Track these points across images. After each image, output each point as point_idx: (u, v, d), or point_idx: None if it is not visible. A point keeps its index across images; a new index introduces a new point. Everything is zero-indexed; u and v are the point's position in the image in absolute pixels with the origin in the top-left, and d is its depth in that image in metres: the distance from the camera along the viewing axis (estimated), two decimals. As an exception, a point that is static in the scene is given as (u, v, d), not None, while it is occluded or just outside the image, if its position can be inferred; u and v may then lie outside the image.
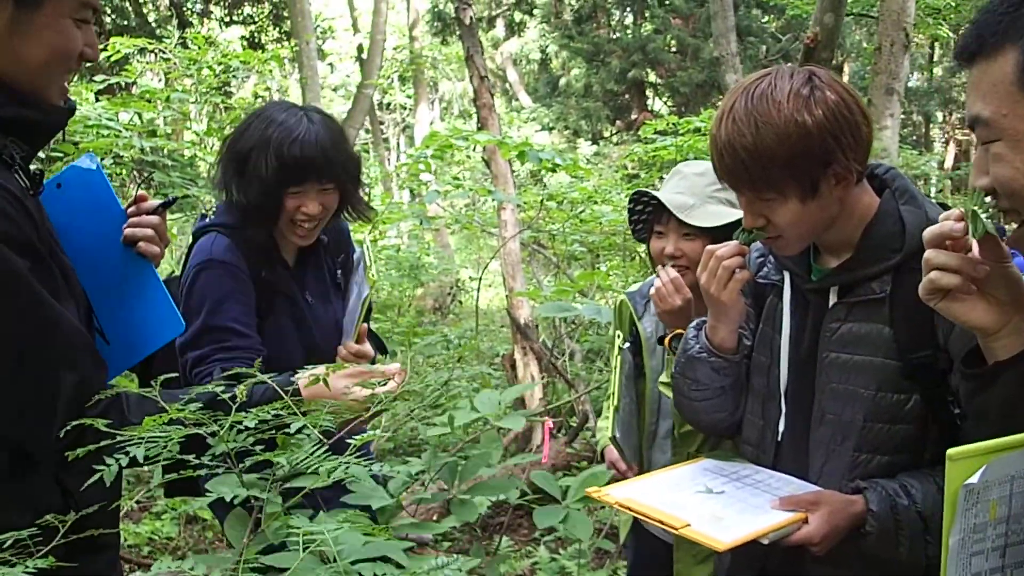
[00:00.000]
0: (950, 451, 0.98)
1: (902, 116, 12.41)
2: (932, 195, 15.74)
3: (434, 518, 3.92)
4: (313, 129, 1.97)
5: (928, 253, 1.13)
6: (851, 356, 1.49)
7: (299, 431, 1.06)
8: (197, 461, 1.10)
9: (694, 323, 1.71)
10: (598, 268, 6.79)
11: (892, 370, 1.45)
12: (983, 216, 1.06)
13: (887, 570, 1.48)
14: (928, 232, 1.13)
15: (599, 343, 6.95)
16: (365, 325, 2.13)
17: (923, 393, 1.44)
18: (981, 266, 1.10)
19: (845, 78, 16.49)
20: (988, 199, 1.05)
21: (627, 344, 2.28)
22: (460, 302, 11.43)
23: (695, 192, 2.09)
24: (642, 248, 6.79)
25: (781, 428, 1.59)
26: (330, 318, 2.21)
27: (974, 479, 0.98)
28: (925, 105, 17.71)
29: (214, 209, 2.15)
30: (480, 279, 6.48)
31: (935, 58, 18.03)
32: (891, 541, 1.42)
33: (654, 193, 2.13)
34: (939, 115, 19.64)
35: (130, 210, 1.62)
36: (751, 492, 1.49)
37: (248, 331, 2.00)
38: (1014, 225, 1.07)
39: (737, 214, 2.04)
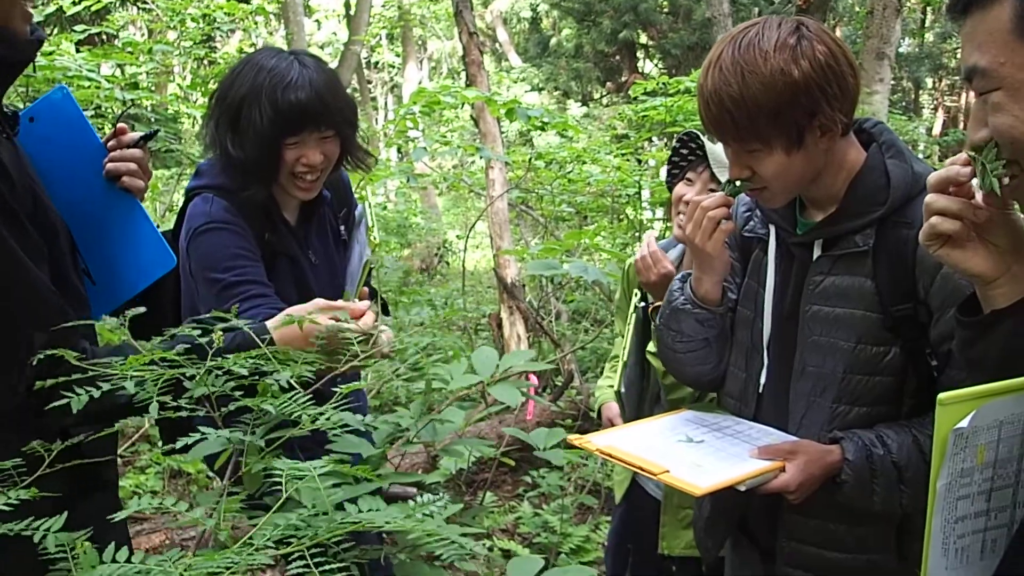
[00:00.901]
0: (940, 396, 0.98)
1: (892, 81, 12.38)
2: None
3: (418, 473, 3.95)
4: (307, 73, 1.84)
5: (929, 197, 1.11)
6: (833, 309, 1.49)
7: (276, 379, 1.05)
8: (175, 403, 1.09)
9: (679, 275, 1.71)
10: (586, 229, 6.79)
11: (873, 323, 1.46)
12: (991, 172, 1.03)
13: (862, 519, 1.51)
14: (933, 176, 1.12)
15: (585, 304, 6.97)
16: (366, 288, 2.02)
17: (903, 346, 1.45)
18: (982, 211, 1.08)
19: (837, 42, 16.37)
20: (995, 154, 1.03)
21: (643, 304, 2.28)
22: (447, 263, 11.41)
23: None
24: (630, 209, 6.82)
25: (763, 380, 1.60)
26: (333, 280, 2.09)
27: (963, 424, 0.98)
28: (915, 71, 17.65)
29: (202, 168, 2.00)
30: (467, 238, 6.46)
31: (926, 23, 17.94)
32: (866, 490, 1.44)
33: (704, 140, 2.10)
34: (929, 81, 19.60)
35: (110, 144, 1.58)
36: (730, 442, 1.51)
37: (270, 285, 1.87)
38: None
39: None
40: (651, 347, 2.05)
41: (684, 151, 2.19)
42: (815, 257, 1.53)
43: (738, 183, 1.51)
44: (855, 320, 1.47)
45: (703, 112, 1.46)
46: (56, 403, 1.02)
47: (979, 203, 1.09)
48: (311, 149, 1.86)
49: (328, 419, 0.97)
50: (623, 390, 2.29)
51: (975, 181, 1.06)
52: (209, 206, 1.87)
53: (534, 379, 3.47)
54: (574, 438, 1.58)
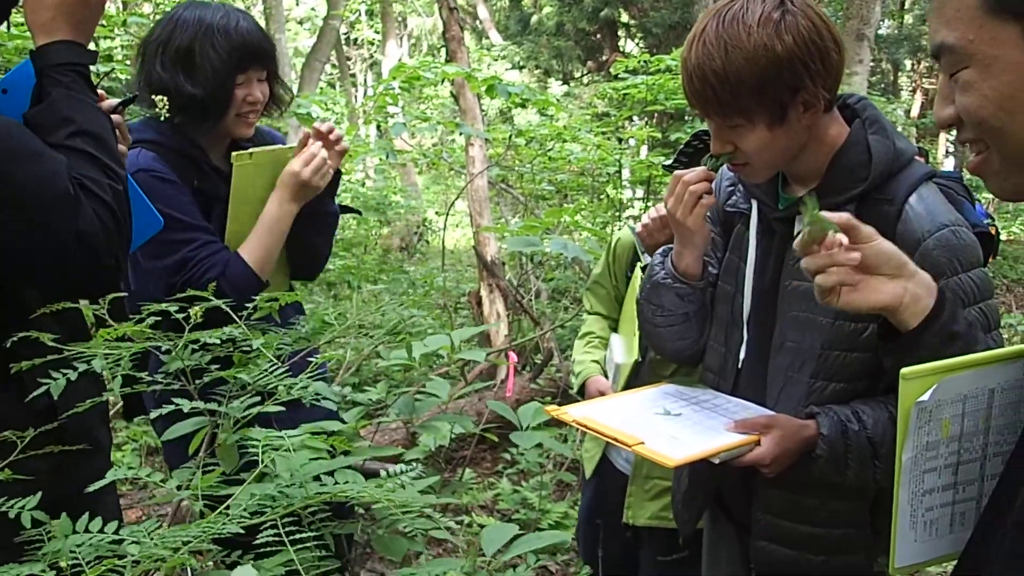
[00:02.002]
0: (903, 370, 1.00)
1: (871, 63, 12.42)
2: (898, 143, 15.82)
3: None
4: (243, 16, 2.01)
5: (803, 262, 1.24)
6: (812, 284, 1.50)
7: (252, 348, 1.05)
8: (151, 378, 1.08)
9: (660, 250, 1.71)
10: (566, 207, 6.78)
11: None
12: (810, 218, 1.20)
13: (837, 493, 1.52)
14: (796, 243, 1.24)
15: (565, 282, 6.98)
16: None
17: (881, 322, 1.46)
18: (853, 254, 1.20)
19: (817, 23, 16.39)
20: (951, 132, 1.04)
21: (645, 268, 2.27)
22: (427, 241, 11.36)
23: None
24: (611, 188, 6.80)
25: (742, 355, 1.61)
26: None
27: (925, 397, 1.00)
28: (894, 52, 17.70)
29: (132, 126, 2.03)
30: (447, 216, 6.43)
31: (906, 5, 17.99)
32: (840, 465, 1.46)
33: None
34: (908, 63, 19.67)
35: None
36: (708, 415, 1.52)
37: (208, 226, 1.98)
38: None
39: None
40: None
41: (695, 142, 2.18)
42: (796, 233, 1.53)
43: (720, 157, 1.51)
44: None
45: (686, 86, 1.45)
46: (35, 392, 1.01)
47: (847, 245, 1.21)
48: (255, 87, 2.01)
49: (304, 388, 0.96)
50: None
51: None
52: (136, 157, 1.93)
53: (513, 357, 3.47)
54: (551, 409, 1.59)
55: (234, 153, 1.99)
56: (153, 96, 1.92)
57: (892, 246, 1.23)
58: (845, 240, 1.20)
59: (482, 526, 3.59)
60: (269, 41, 2.07)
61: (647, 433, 1.42)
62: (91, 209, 1.16)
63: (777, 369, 1.55)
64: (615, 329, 2.46)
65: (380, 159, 5.78)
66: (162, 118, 1.92)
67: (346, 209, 2.38)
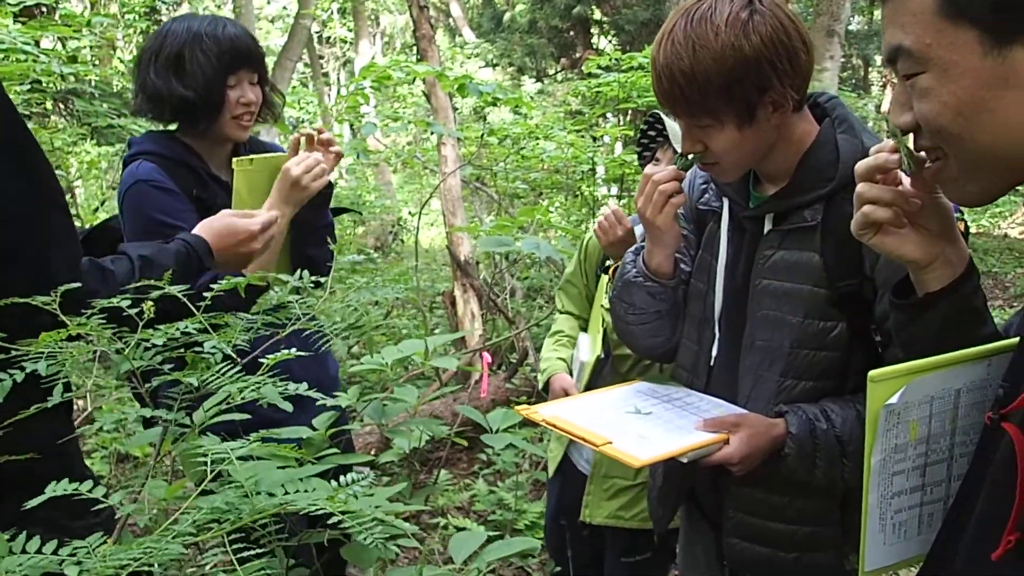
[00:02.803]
0: (871, 373, 0.99)
1: (842, 59, 12.53)
2: (869, 138, 15.99)
3: (372, 453, 3.92)
4: (231, 23, 2.08)
5: (860, 187, 1.11)
6: (782, 283, 1.49)
7: (211, 349, 1.01)
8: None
9: (632, 248, 1.70)
10: (539, 205, 6.76)
11: (820, 298, 1.46)
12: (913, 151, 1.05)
13: (806, 491, 1.52)
14: (861, 165, 1.12)
15: (540, 280, 6.96)
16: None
17: (849, 321, 1.45)
18: (913, 199, 1.09)
19: (788, 19, 16.50)
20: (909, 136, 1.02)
21: (603, 269, 2.28)
22: (402, 240, 11.30)
23: None
24: (585, 186, 6.80)
25: (714, 353, 1.60)
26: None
27: (894, 399, 0.99)
28: (864, 48, 17.89)
29: (132, 140, 2.12)
30: (420, 216, 6.38)
31: (875, 0, 18.16)
32: (808, 463, 1.45)
33: (666, 120, 2.11)
34: (878, 58, 19.87)
35: None
36: (679, 413, 1.50)
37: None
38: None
39: None
40: (605, 303, 2.06)
41: (652, 132, 2.20)
42: (765, 231, 1.53)
43: (690, 157, 1.50)
44: (803, 295, 1.47)
45: (656, 85, 1.44)
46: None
47: (911, 191, 1.09)
48: (247, 88, 2.05)
49: (258, 389, 0.92)
50: (601, 356, 2.27)
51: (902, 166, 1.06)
52: (137, 168, 2.00)
53: (487, 357, 3.45)
54: (522, 408, 1.57)
55: (235, 159, 2.03)
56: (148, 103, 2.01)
57: (949, 205, 1.12)
58: (907, 184, 1.10)
59: (458, 528, 3.58)
60: (258, 45, 2.12)
61: (615, 432, 1.41)
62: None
63: (748, 367, 1.54)
64: (585, 328, 2.45)
65: (353, 159, 5.73)
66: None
67: (341, 211, 2.36)
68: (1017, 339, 0.94)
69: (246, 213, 1.78)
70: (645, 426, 1.46)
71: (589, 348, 2.28)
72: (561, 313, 2.55)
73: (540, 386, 2.41)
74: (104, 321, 0.99)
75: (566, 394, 2.23)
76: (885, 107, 19.76)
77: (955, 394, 1.02)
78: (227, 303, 1.39)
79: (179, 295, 1.09)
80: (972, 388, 1.02)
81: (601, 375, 2.23)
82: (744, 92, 1.37)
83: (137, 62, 2.09)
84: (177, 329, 1.02)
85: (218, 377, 0.95)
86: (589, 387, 2.22)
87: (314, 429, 1.67)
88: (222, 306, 1.29)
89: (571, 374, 2.34)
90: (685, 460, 1.40)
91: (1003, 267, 11.01)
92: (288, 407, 1.03)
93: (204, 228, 1.72)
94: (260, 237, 1.76)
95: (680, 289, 1.66)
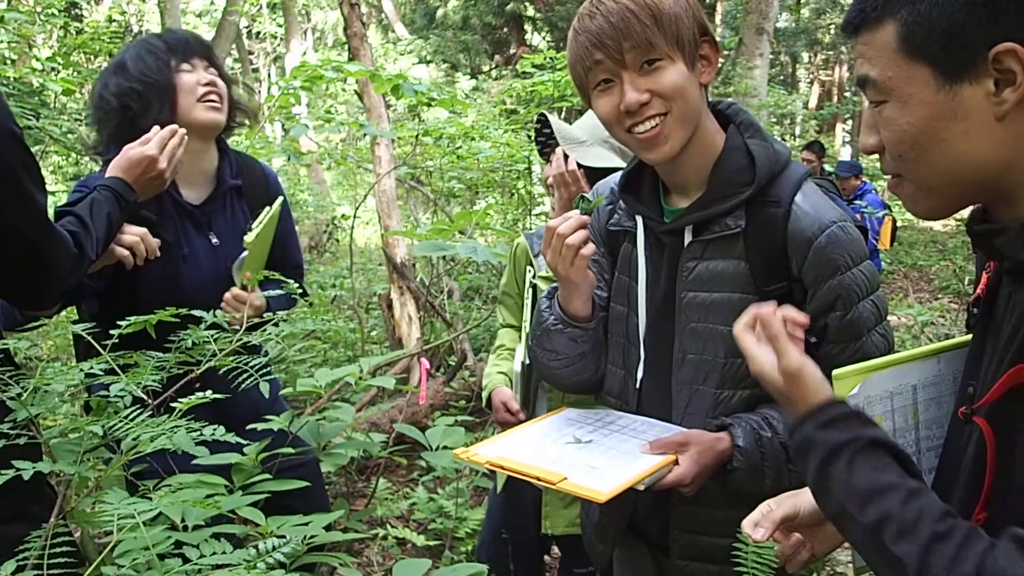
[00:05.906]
0: (835, 371, 1.07)
1: (771, 56, 12.76)
2: (797, 134, 16.36)
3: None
4: (175, 29, 2.19)
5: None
6: (709, 294, 1.47)
7: (118, 392, 0.93)
8: None
9: (545, 292, 1.65)
10: (477, 204, 6.71)
11: (750, 304, 1.43)
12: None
13: (752, 503, 1.49)
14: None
15: (477, 281, 6.91)
16: (249, 274, 1.99)
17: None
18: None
19: (718, 17, 16.78)
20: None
21: (535, 282, 2.23)
22: (337, 240, 11.10)
23: (591, 131, 2.07)
24: (521, 184, 6.77)
25: (639, 375, 1.56)
26: (218, 268, 2.09)
27: (854, 391, 1.07)
28: (792, 45, 18.29)
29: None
30: (355, 216, 6.27)
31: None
32: (757, 474, 1.43)
33: (550, 120, 2.12)
34: (805, 56, 20.35)
35: None
36: (619, 438, 1.46)
37: None
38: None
39: (621, 163, 2.00)
40: (543, 274, 2.08)
41: (545, 131, 2.19)
42: (687, 243, 1.50)
43: (592, 200, 1.49)
44: (731, 303, 1.44)
45: (596, 37, 1.38)
46: None
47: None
48: (204, 72, 2.03)
49: (171, 437, 0.85)
50: (526, 363, 2.24)
51: None
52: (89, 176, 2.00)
53: (426, 363, 3.38)
54: (460, 451, 1.49)
55: (245, 239, 2.02)
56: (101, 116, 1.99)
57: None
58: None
59: (398, 539, 3.50)
60: (205, 41, 2.13)
61: (564, 466, 1.36)
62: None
63: (681, 383, 1.51)
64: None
65: (285, 159, 5.57)
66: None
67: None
68: (969, 336, 1.04)
69: (142, 140, 1.84)
70: (590, 456, 1.41)
71: (519, 357, 2.25)
72: (503, 327, 2.51)
73: (484, 403, 2.36)
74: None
75: (506, 408, 2.19)
76: (812, 103, 20.23)
77: (912, 389, 1.11)
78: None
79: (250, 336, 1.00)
80: (927, 384, 1.11)
81: (531, 381, 2.20)
82: (689, 30, 1.39)
83: (91, 98, 2.06)
84: (81, 371, 0.93)
85: (123, 423, 0.87)
86: (524, 395, 2.18)
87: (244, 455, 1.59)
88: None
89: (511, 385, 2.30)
90: (642, 488, 1.35)
91: (928, 260, 11.38)
92: (203, 452, 0.95)
93: (113, 169, 1.80)
94: (161, 157, 1.82)
95: (601, 326, 1.62)
